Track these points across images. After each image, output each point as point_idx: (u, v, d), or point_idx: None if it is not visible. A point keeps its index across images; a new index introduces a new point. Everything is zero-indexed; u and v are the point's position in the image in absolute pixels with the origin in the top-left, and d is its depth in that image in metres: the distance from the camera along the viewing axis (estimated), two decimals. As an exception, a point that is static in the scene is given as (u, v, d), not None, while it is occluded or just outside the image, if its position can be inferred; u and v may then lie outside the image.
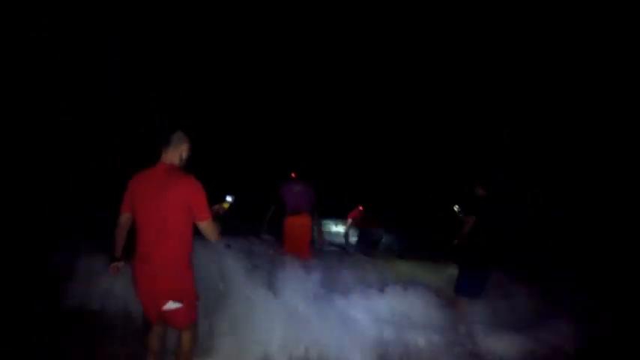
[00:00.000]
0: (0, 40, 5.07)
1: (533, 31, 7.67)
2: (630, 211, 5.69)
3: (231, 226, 2.95)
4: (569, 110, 7.40)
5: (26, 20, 5.40)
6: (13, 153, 5.24)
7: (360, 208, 6.08)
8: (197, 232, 1.98)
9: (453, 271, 4.30)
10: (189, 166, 2.07)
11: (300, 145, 10.44)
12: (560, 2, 7.21)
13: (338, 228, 7.07)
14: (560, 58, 7.44)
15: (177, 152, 2.01)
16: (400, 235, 7.75)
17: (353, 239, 6.25)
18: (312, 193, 4.00)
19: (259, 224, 4.27)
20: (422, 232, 8.04)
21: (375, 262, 5.04)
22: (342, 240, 6.45)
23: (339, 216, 6.33)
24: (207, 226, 1.95)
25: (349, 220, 6.07)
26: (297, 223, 3.88)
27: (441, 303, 3.34)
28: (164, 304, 1.87)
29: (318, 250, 4.23)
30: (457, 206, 3.60)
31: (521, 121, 8.23)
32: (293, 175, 4.12)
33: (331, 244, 6.46)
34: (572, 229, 5.58)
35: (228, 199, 2.31)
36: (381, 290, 3.43)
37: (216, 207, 2.21)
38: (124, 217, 2.02)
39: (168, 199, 1.87)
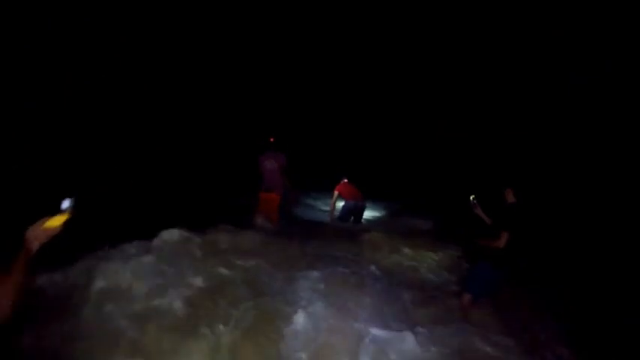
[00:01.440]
0: (0, 39, 5.08)
1: (533, 30, 7.68)
2: (627, 211, 5.70)
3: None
4: (568, 110, 7.41)
5: (26, 20, 5.41)
6: (10, 152, 5.25)
7: (346, 180, 6.30)
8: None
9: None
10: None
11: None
12: (561, 2, 7.22)
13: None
14: (560, 58, 7.45)
15: None
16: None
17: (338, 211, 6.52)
18: (283, 160, 4.65)
19: None
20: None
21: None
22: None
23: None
24: None
25: (335, 193, 6.29)
26: (267, 199, 4.72)
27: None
28: None
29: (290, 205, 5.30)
30: (473, 196, 3.44)
31: (519, 120, 8.24)
32: (271, 139, 4.69)
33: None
34: (566, 230, 5.59)
35: (65, 205, 1.27)
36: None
37: (34, 233, 1.16)
38: None
39: None
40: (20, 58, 5.35)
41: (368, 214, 7.23)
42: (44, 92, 5.69)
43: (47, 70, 5.71)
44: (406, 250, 4.40)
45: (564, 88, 7.47)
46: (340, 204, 6.48)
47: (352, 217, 6.35)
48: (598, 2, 6.72)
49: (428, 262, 4.25)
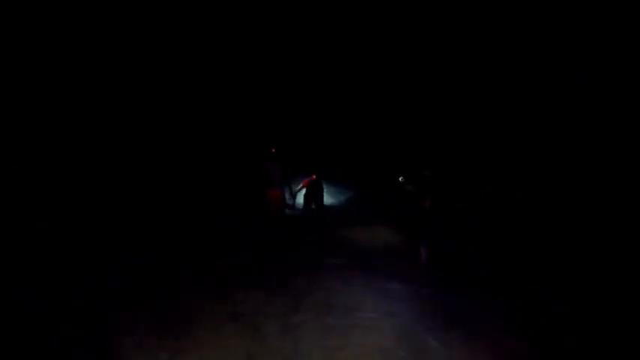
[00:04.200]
0: (0, 39, 5.08)
1: (533, 30, 7.68)
2: (627, 212, 5.70)
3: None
4: (568, 110, 7.40)
5: (26, 20, 5.40)
6: (10, 152, 5.24)
7: (314, 176, 7.38)
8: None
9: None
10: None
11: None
12: (561, 2, 7.21)
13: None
14: (560, 58, 7.44)
15: None
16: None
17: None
18: (281, 169, 5.96)
19: None
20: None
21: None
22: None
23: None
24: None
25: (300, 185, 7.55)
26: (273, 195, 5.99)
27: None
28: None
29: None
30: (402, 177, 4.78)
31: (519, 120, 8.24)
32: (273, 150, 5.94)
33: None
34: (566, 229, 5.59)
35: None
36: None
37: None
38: None
39: None
40: (20, 58, 5.35)
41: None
42: (44, 92, 5.69)
43: (47, 70, 5.71)
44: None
45: (564, 88, 7.46)
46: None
47: (313, 204, 7.53)
48: (598, 2, 6.71)
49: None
